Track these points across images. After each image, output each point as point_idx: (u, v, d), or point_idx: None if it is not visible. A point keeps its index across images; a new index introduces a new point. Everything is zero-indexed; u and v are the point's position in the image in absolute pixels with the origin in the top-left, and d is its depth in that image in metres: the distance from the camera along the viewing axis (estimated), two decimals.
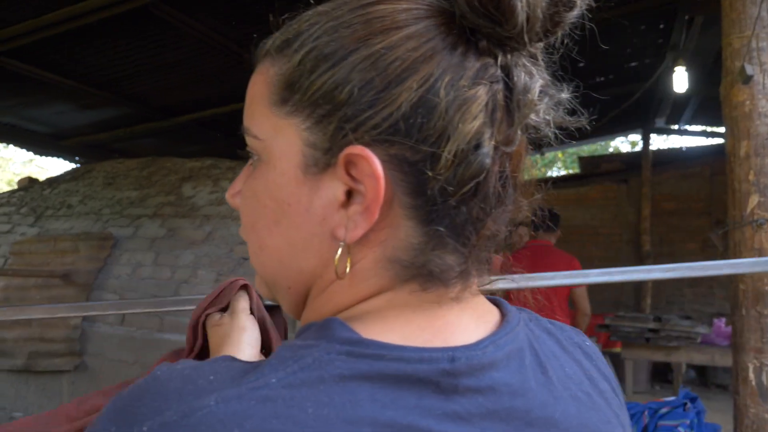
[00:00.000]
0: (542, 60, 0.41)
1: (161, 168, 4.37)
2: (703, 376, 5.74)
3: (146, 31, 3.80)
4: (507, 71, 0.38)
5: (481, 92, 0.37)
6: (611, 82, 5.73)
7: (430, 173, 0.37)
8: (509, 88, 0.38)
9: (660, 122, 6.71)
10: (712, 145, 6.90)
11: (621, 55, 5.18)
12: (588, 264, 3.61)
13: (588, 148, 10.80)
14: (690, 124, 6.95)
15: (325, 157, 0.39)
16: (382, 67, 0.37)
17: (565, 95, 0.42)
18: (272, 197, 0.42)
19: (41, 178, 5.39)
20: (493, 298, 0.47)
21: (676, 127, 7.08)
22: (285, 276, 0.44)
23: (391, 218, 0.39)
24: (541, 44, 0.40)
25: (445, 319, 0.40)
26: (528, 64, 0.39)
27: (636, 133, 7.86)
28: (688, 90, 4.77)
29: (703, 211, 6.58)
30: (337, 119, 0.38)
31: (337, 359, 0.34)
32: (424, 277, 0.39)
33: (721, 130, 6.65)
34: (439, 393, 0.35)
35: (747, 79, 1.73)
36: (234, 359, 0.37)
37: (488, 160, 0.37)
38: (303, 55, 0.40)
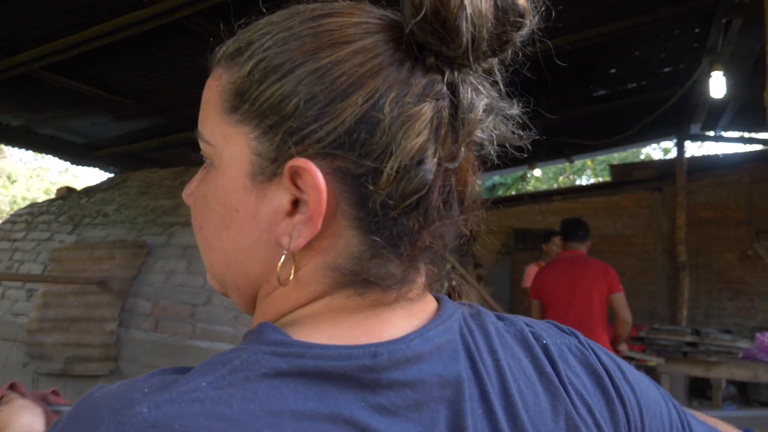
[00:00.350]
0: (497, 74, 0.42)
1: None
2: (744, 392, 5.52)
3: (180, 44, 3.88)
4: (453, 88, 0.39)
5: (426, 109, 0.38)
6: (644, 89, 5.62)
7: (371, 188, 0.38)
8: (454, 105, 0.39)
9: (695, 128, 6.54)
10: (751, 152, 6.69)
11: (654, 60, 5.09)
12: (620, 275, 3.53)
13: (618, 156, 10.60)
14: (727, 130, 6.76)
15: (271, 167, 0.40)
16: (329, 81, 0.38)
17: (514, 111, 0.42)
18: (221, 203, 0.43)
19: (78, 187, 5.54)
20: (438, 295, 0.47)
21: (711, 133, 6.90)
22: (232, 278, 0.45)
23: (334, 228, 0.40)
24: (494, 59, 0.41)
25: (376, 318, 0.41)
26: (475, 82, 0.40)
27: (669, 139, 7.68)
28: (725, 95, 4.65)
29: (741, 220, 6.37)
30: (282, 131, 0.39)
31: (263, 359, 0.35)
32: (360, 283, 0.40)
33: (761, 136, 6.48)
34: (361, 388, 0.36)
35: None
36: (167, 371, 0.38)
37: (430, 176, 0.38)
38: (253, 66, 0.40)
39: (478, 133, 0.40)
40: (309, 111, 0.38)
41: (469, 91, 0.39)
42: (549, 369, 0.46)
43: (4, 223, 5.15)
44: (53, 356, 3.91)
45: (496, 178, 11.09)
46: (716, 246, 6.48)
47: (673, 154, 7.10)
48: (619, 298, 3.29)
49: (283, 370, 0.35)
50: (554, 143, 6.25)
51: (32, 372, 4.10)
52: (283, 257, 0.41)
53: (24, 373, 4.16)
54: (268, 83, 0.39)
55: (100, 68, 4.21)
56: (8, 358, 4.26)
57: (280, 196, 0.40)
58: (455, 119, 0.39)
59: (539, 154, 6.95)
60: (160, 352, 3.53)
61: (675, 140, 6.76)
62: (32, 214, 5.00)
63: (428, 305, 0.45)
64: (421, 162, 0.38)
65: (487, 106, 0.40)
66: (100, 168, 6.42)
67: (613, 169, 7.82)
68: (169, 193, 4.37)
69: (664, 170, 6.93)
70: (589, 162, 11.86)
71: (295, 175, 0.39)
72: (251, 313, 0.47)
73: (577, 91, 5.40)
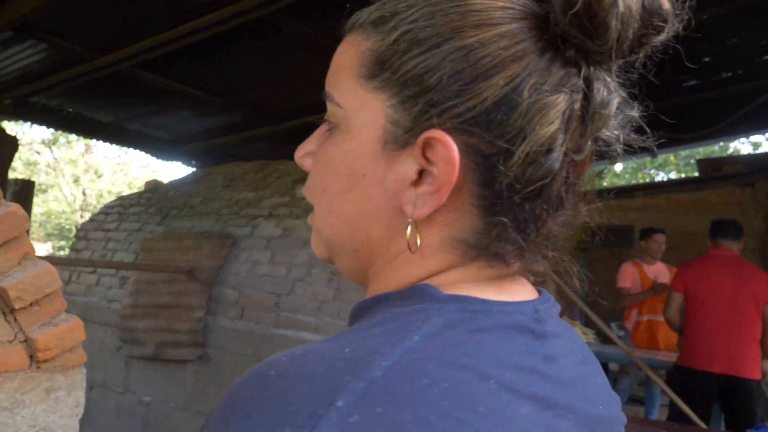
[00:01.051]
0: (619, 76, 0.43)
1: (275, 170, 4.55)
2: None
3: (264, 40, 3.97)
4: (588, 83, 0.40)
5: (561, 99, 0.39)
6: (740, 78, 5.26)
7: (501, 168, 0.39)
8: (587, 99, 0.40)
9: None
10: None
11: (752, 48, 4.74)
12: None
13: (704, 151, 10.01)
14: None
15: (405, 136, 0.41)
16: (473, 60, 0.39)
17: (635, 113, 0.43)
18: (348, 166, 0.44)
19: (163, 180, 5.80)
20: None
21: None
22: (352, 239, 0.46)
23: (459, 203, 0.42)
24: (624, 60, 0.41)
25: (510, 287, 0.44)
26: (608, 79, 0.41)
27: (763, 132, 7.16)
28: None
29: None
30: (423, 102, 0.40)
31: (457, 316, 0.38)
32: (490, 257, 0.43)
33: None
34: (535, 339, 0.40)
35: None
36: (320, 342, 0.38)
37: (557, 165, 0.39)
38: (398, 35, 0.41)
39: (605, 131, 0.42)
40: (451, 86, 0.39)
41: (602, 88, 0.40)
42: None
43: (97, 214, 5.46)
44: (145, 341, 4.11)
45: None
46: None
47: (765, 148, 6.61)
48: None
49: (482, 326, 0.38)
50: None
51: (125, 356, 4.33)
52: (409, 225, 0.42)
53: (118, 356, 4.40)
54: (412, 54, 0.40)
55: (186, 66, 4.38)
56: (103, 341, 4.53)
57: (408, 165, 0.41)
58: (586, 113, 0.40)
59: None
60: (246, 339, 3.64)
61: None
62: (123, 206, 5.28)
63: (529, 285, 0.48)
64: (550, 150, 0.39)
65: (619, 104, 0.41)
66: (183, 162, 6.70)
67: (701, 163, 7.38)
68: (252, 185, 4.49)
69: (756, 165, 6.48)
70: (671, 157, 11.25)
71: (426, 147, 0.40)
72: (358, 278, 0.49)
73: (664, 81, 5.13)
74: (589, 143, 0.41)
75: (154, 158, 6.62)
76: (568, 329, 0.48)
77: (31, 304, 1.75)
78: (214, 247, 4.06)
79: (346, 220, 0.45)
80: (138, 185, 14.57)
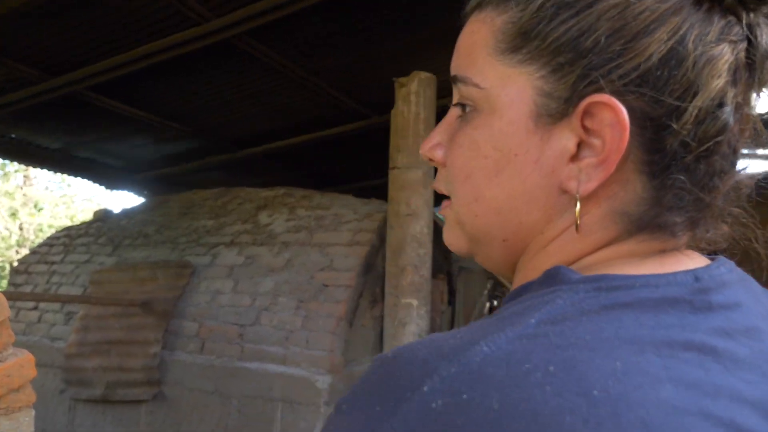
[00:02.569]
0: None
1: (235, 197, 4.40)
2: None
3: (226, 64, 3.88)
4: (751, 30, 0.38)
5: (726, 50, 0.37)
6: None
7: (674, 126, 0.37)
8: (753, 47, 0.38)
9: None
10: None
11: None
12: None
13: None
14: None
15: (561, 107, 0.39)
16: (631, 16, 0.37)
17: None
18: (496, 147, 0.42)
19: (113, 210, 5.52)
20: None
21: None
22: (502, 227, 0.44)
23: (623, 172, 0.39)
24: None
25: (670, 258, 0.40)
26: None
27: None
28: None
29: None
30: (580, 67, 0.38)
31: (588, 295, 0.34)
32: (653, 228, 0.39)
33: None
34: (695, 312, 0.35)
35: None
36: (442, 336, 0.35)
37: (731, 119, 0.37)
38: (542, 2, 0.39)
39: None
40: (611, 46, 0.37)
41: (766, 34, 0.38)
42: None
43: (40, 246, 5.12)
44: (93, 381, 3.81)
45: None
46: None
47: None
48: None
49: (618, 301, 0.34)
50: None
51: (69, 399, 4.00)
52: (578, 204, 0.39)
53: (61, 400, 4.06)
54: (562, 18, 0.38)
55: (142, 90, 4.23)
56: (43, 384, 4.17)
57: (566, 139, 0.39)
58: (753, 62, 0.38)
59: None
60: (207, 374, 3.42)
61: None
62: (70, 237, 4.97)
63: (704, 259, 0.43)
64: (722, 104, 0.37)
65: None
66: (135, 192, 6.42)
67: None
68: (212, 213, 4.32)
69: None
70: None
71: (586, 115, 0.38)
72: (503, 270, 0.47)
73: None
74: (758, 94, 0.39)
75: (102, 188, 6.34)
76: None
77: None
78: (172, 278, 3.85)
79: (495, 206, 0.43)
80: (82, 219, 13.90)
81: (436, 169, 0.51)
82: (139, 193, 6.45)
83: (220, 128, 4.93)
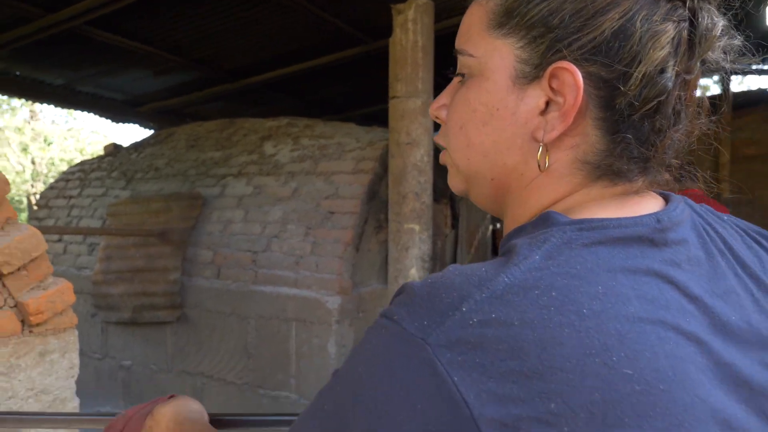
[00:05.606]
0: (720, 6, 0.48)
1: (240, 128, 4.48)
2: None
3: None
4: (693, 12, 0.45)
5: (670, 27, 0.45)
6: None
7: (622, 88, 0.45)
8: (693, 26, 0.45)
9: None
10: None
11: None
12: None
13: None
14: None
15: (533, 71, 0.48)
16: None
17: (737, 41, 0.49)
18: (483, 102, 0.51)
19: (122, 144, 5.62)
20: (660, 192, 0.54)
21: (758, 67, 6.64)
22: (489, 168, 0.53)
23: (583, 126, 0.48)
24: None
25: (635, 201, 0.49)
26: (711, 8, 0.46)
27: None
28: None
29: None
30: (549, 40, 0.47)
31: (575, 234, 0.43)
32: (612, 174, 0.48)
33: None
34: (654, 246, 0.44)
35: None
36: (460, 267, 0.43)
37: (670, 84, 0.45)
38: None
39: (710, 54, 0.47)
40: (573, 23, 0.46)
41: (707, 16, 0.45)
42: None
43: (57, 181, 5.29)
44: (120, 306, 4.09)
45: None
46: (761, 183, 6.37)
47: (714, 90, 6.87)
48: None
49: (597, 239, 0.43)
50: None
51: (101, 321, 4.31)
52: (540, 147, 0.49)
53: (93, 323, 4.37)
54: (536, 1, 0.47)
55: (139, 22, 4.20)
56: (76, 309, 4.47)
57: (537, 96, 0.48)
58: (693, 39, 0.45)
59: None
60: (224, 298, 3.67)
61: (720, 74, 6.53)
62: (84, 171, 5.12)
63: (656, 195, 0.52)
64: (663, 71, 0.45)
65: (722, 30, 0.46)
66: (140, 124, 6.49)
67: None
68: (218, 144, 4.42)
69: None
70: None
71: (552, 78, 0.47)
72: (494, 207, 0.57)
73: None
74: (698, 65, 0.46)
75: (107, 121, 6.37)
76: (706, 237, 0.49)
77: (18, 269, 1.74)
78: (184, 209, 4.03)
79: (483, 150, 0.52)
80: (90, 151, 13.98)
81: (437, 125, 0.60)
82: (144, 125, 6.51)
83: (217, 59, 4.92)
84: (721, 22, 0.46)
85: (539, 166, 0.49)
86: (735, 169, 6.29)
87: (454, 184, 0.59)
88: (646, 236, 0.44)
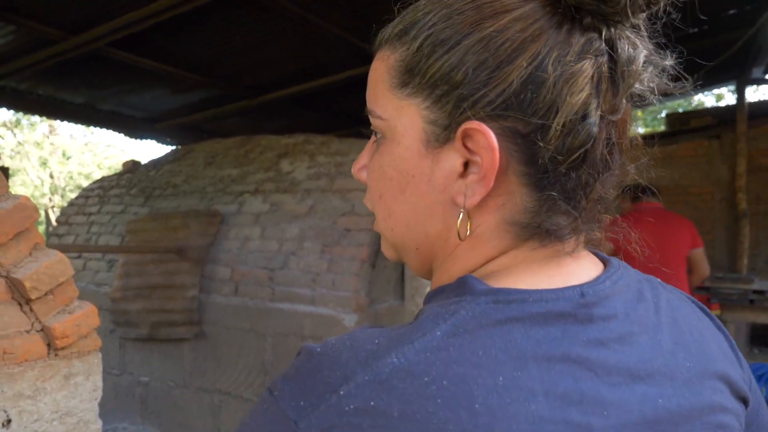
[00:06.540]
0: (645, 29, 0.43)
1: (257, 145, 4.53)
2: None
3: (238, 12, 3.91)
4: (611, 44, 0.41)
5: (587, 66, 0.40)
6: (705, 33, 5.39)
7: (541, 143, 0.41)
8: (613, 60, 0.41)
9: (757, 73, 6.27)
10: None
11: (717, 2, 4.86)
12: None
13: (669, 104, 10.25)
14: None
15: (444, 133, 0.44)
16: (494, 48, 0.40)
17: (668, 62, 0.43)
18: (397, 169, 0.47)
19: (140, 160, 5.71)
20: (593, 251, 0.50)
21: None
22: (412, 238, 0.49)
23: (507, 185, 0.43)
24: (644, 14, 0.42)
25: (566, 267, 0.45)
26: (632, 36, 0.41)
27: (727, 85, 7.37)
28: None
29: None
30: (454, 98, 0.42)
31: (489, 308, 0.39)
32: (542, 234, 0.44)
33: None
34: (578, 324, 0.40)
35: None
36: (369, 328, 0.41)
37: (595, 129, 0.41)
38: (421, 42, 0.43)
39: (638, 86, 0.42)
40: (478, 77, 0.41)
41: (627, 46, 0.41)
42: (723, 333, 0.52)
43: (77, 197, 5.38)
44: (138, 322, 4.14)
45: None
46: None
47: (728, 100, 6.83)
48: (701, 253, 3.42)
49: (513, 315, 0.39)
50: None
51: (119, 337, 4.36)
52: (461, 214, 0.44)
53: (111, 339, 4.43)
54: (436, 56, 0.42)
55: (160, 42, 4.28)
56: None
57: (453, 159, 0.44)
58: (615, 73, 0.41)
59: None
60: (242, 315, 3.70)
61: (735, 85, 6.50)
62: (103, 188, 5.21)
63: (594, 258, 0.49)
64: (585, 116, 0.40)
65: (646, 57, 0.42)
66: (158, 140, 6.58)
67: (670, 118, 7.59)
68: (236, 162, 4.48)
69: (721, 117, 6.71)
70: (639, 112, 11.54)
71: (466, 138, 0.42)
72: (425, 273, 0.53)
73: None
74: (624, 101, 0.42)
75: (126, 138, 6.47)
76: (652, 308, 0.46)
77: (45, 294, 1.78)
78: (203, 225, 4.08)
79: (403, 220, 0.48)
80: (108, 166, 14.20)
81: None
82: (163, 141, 6.61)
83: (235, 76, 4.99)
84: (643, 50, 0.42)
85: (459, 235, 0.45)
86: (751, 179, 6.23)
87: (386, 252, 0.55)
88: (568, 312, 0.40)
